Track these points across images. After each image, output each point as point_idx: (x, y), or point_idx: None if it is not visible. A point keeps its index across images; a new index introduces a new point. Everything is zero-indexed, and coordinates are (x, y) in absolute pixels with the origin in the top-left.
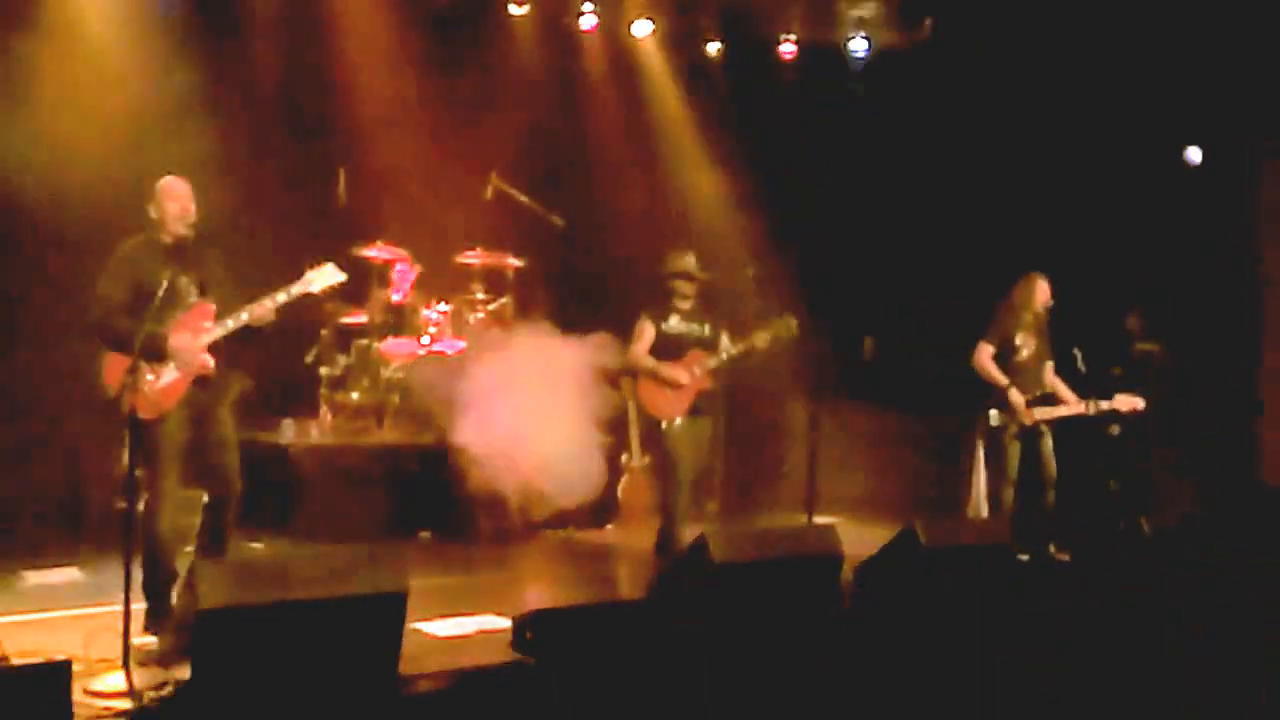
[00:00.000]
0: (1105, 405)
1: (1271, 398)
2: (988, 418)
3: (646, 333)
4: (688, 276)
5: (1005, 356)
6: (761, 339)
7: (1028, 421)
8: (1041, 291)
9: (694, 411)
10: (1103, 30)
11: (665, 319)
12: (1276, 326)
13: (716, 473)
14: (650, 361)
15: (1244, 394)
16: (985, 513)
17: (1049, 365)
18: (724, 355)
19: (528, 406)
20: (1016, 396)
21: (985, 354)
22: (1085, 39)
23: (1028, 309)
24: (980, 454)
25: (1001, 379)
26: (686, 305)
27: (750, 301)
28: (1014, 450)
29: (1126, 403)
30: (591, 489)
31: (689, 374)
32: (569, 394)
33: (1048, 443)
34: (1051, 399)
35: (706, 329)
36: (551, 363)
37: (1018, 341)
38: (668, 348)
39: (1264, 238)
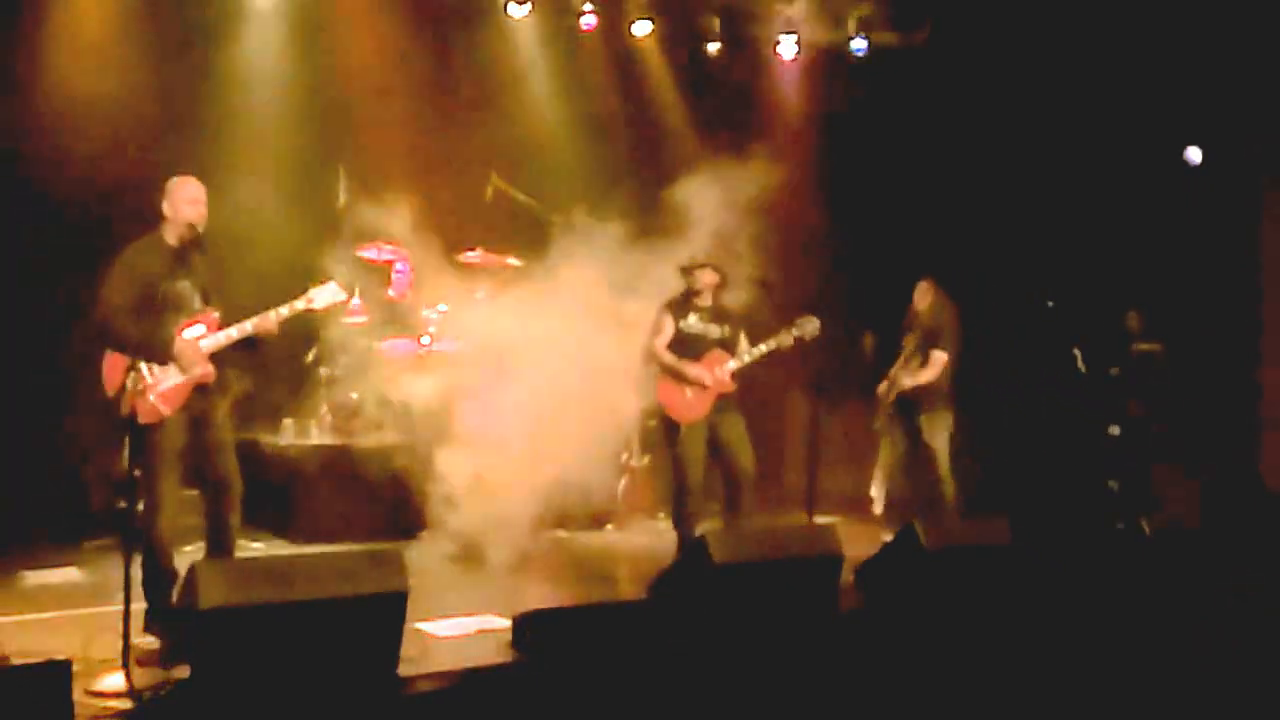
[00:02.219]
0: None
1: (1272, 398)
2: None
3: (666, 327)
4: (706, 269)
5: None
6: (784, 340)
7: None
8: (919, 294)
9: (720, 410)
10: (1105, 31)
11: (684, 316)
12: (1277, 326)
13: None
14: (671, 358)
15: (1244, 394)
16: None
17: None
18: (745, 358)
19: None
20: (880, 387)
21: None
22: (1087, 39)
23: (914, 312)
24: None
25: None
26: (707, 303)
27: (764, 305)
28: (898, 438)
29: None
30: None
31: (711, 375)
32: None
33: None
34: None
35: (726, 330)
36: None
37: (904, 341)
38: (685, 347)
39: (1265, 238)
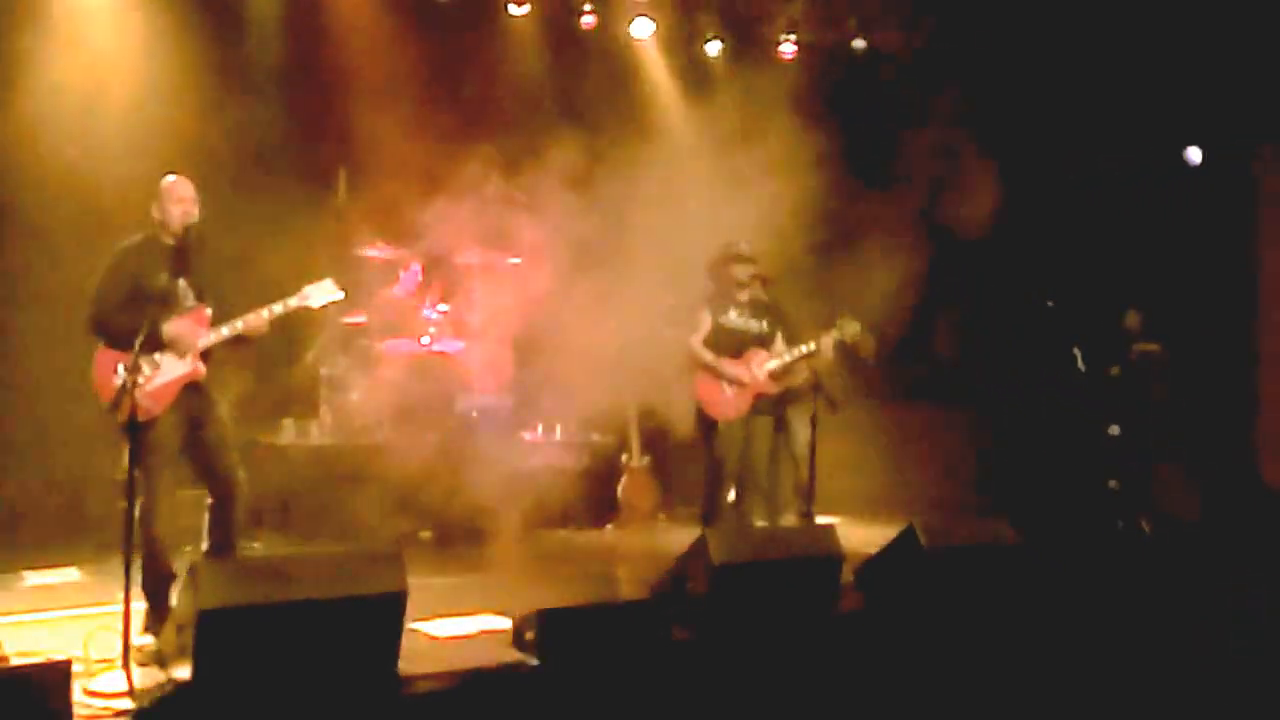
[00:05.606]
0: None
1: (1270, 398)
2: None
3: (704, 324)
4: (745, 261)
5: None
6: (824, 344)
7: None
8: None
9: (755, 410)
10: (1105, 31)
11: (723, 312)
12: (1275, 326)
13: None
14: (709, 356)
15: (1244, 394)
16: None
17: None
18: (786, 357)
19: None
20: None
21: None
22: (1088, 40)
23: None
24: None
25: None
26: (745, 297)
27: (792, 308)
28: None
29: None
30: None
31: (750, 373)
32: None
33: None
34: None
35: (765, 325)
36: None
37: None
38: (724, 343)
39: (1264, 238)
